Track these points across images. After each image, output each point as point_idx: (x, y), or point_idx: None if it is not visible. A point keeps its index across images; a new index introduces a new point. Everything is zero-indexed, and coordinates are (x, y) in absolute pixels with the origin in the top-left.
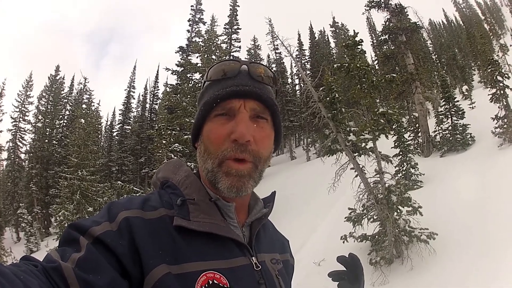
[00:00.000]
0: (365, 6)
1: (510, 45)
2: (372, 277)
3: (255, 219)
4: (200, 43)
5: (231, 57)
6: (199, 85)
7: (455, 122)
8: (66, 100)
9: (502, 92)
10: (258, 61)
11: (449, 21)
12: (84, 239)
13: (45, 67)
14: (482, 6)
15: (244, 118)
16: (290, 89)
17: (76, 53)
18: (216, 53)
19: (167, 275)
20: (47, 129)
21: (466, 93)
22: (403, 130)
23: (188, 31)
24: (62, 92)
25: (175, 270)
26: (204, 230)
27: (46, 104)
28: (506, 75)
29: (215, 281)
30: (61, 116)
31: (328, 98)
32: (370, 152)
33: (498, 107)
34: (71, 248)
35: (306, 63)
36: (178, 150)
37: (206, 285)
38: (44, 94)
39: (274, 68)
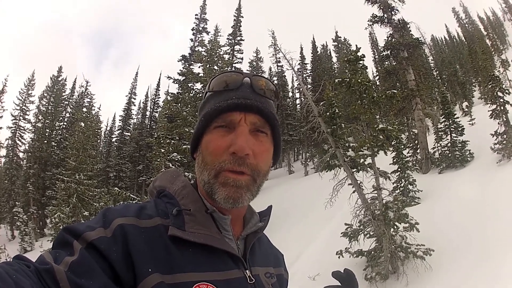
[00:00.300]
0: (368, 21)
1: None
2: None
3: (251, 233)
4: (203, 52)
5: (233, 68)
6: (200, 95)
7: (454, 138)
8: (67, 102)
9: (502, 108)
10: (261, 74)
11: (451, 37)
12: (77, 243)
13: (46, 67)
14: (484, 22)
15: (244, 131)
16: (290, 103)
17: (77, 54)
18: (218, 64)
19: (160, 285)
20: (47, 130)
21: (466, 109)
22: (402, 146)
23: (191, 40)
24: (64, 94)
25: (168, 280)
26: (199, 241)
27: (47, 104)
28: (506, 91)
29: None
30: (61, 118)
31: (328, 113)
32: (368, 168)
33: (498, 123)
34: (65, 252)
35: (307, 77)
36: (176, 159)
37: None
38: (45, 94)
39: (276, 81)
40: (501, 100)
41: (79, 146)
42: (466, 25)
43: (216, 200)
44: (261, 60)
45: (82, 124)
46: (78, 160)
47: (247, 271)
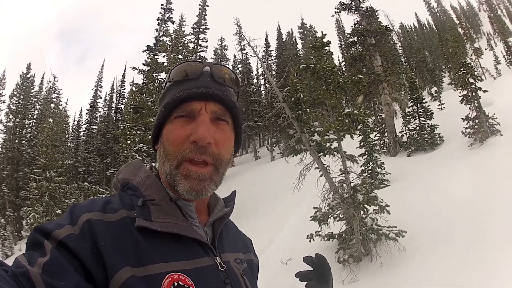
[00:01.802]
0: (335, 8)
1: (485, 49)
2: (341, 275)
3: (217, 219)
4: (168, 42)
5: (198, 57)
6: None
7: (423, 122)
8: (35, 99)
9: (474, 93)
10: (222, 63)
11: (421, 24)
12: (48, 243)
13: (17, 65)
14: (457, 11)
15: (204, 120)
16: (255, 89)
17: (46, 50)
18: (183, 53)
19: (132, 278)
20: (17, 128)
21: (435, 94)
22: (369, 130)
23: (156, 30)
24: (32, 90)
25: (140, 273)
26: (167, 231)
27: (17, 103)
28: (478, 78)
29: (180, 283)
30: (30, 116)
31: (293, 99)
32: (335, 152)
33: (469, 108)
34: (37, 252)
35: (272, 64)
36: (143, 150)
37: (172, 287)
38: (15, 92)
39: (240, 69)
40: (473, 86)
41: (48, 143)
42: (438, 14)
43: (179, 191)
44: (226, 48)
45: (51, 120)
46: (48, 157)
47: (217, 258)
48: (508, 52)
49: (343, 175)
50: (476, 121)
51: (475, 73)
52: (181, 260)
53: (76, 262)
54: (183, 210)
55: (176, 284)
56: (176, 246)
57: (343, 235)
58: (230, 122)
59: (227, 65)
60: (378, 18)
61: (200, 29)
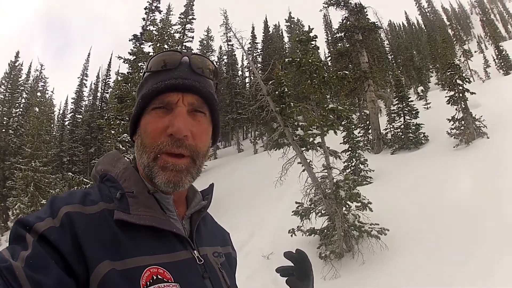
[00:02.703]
0: (324, 3)
1: (475, 51)
2: (323, 271)
3: (195, 212)
4: (154, 31)
5: (183, 47)
6: None
7: (408, 121)
8: (23, 88)
9: (461, 95)
10: (205, 54)
11: (410, 23)
12: (30, 236)
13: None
14: (448, 12)
15: (181, 112)
16: (239, 81)
17: (34, 38)
18: (169, 43)
19: (112, 272)
20: (5, 118)
21: (421, 93)
22: (353, 126)
23: (143, 19)
24: (20, 79)
25: (119, 266)
26: (145, 224)
27: (4, 91)
28: (466, 79)
29: (159, 276)
30: (17, 104)
31: (277, 92)
32: (318, 147)
33: (456, 109)
34: (20, 246)
35: (257, 56)
36: (127, 140)
37: (151, 281)
38: (3, 81)
39: (225, 60)
40: (460, 87)
41: (34, 132)
42: (428, 14)
43: (157, 184)
44: (212, 39)
45: (37, 109)
46: (33, 147)
47: (195, 251)
48: (499, 56)
49: (325, 170)
50: (463, 122)
51: (463, 74)
52: (160, 254)
53: (57, 255)
54: (161, 203)
55: (155, 277)
56: (154, 240)
57: (325, 230)
58: (207, 114)
59: (206, 56)
60: (367, 15)
61: (187, 19)
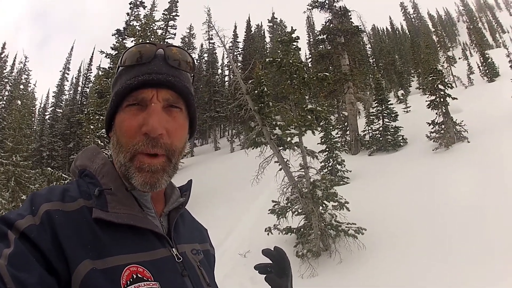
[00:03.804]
0: (308, 5)
1: (459, 58)
2: (300, 269)
3: (173, 209)
4: (137, 27)
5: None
6: None
7: (387, 123)
8: (7, 80)
9: (442, 99)
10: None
11: (394, 28)
12: (11, 233)
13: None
14: (434, 19)
15: (156, 109)
16: (219, 79)
17: (19, 30)
18: (151, 38)
19: (93, 271)
20: None
21: (402, 97)
22: (331, 127)
23: (128, 14)
24: (5, 71)
25: (100, 265)
26: (123, 222)
27: None
28: (449, 85)
29: (139, 275)
30: (0, 97)
31: (256, 91)
32: (295, 147)
33: (436, 113)
34: (2, 244)
35: (238, 55)
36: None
37: (131, 280)
38: None
39: (206, 58)
40: (442, 92)
41: (16, 125)
42: (413, 20)
43: (133, 184)
44: (193, 36)
45: (19, 102)
46: (15, 140)
47: (173, 249)
48: (484, 63)
49: (302, 170)
50: (443, 126)
51: (446, 80)
52: (139, 252)
53: (38, 254)
54: (138, 200)
55: (134, 276)
56: (133, 238)
57: (302, 229)
58: (183, 109)
59: (183, 48)
60: (351, 18)
61: (171, 16)
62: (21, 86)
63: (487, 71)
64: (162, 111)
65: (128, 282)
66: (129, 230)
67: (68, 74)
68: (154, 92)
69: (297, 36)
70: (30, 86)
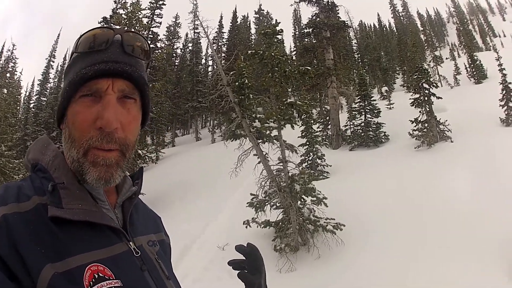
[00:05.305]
0: None
1: (446, 58)
2: (278, 264)
3: (126, 199)
4: (123, 15)
5: (150, 33)
6: None
7: (369, 119)
8: None
9: (426, 98)
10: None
11: (382, 25)
12: None
13: None
14: (424, 18)
15: (111, 101)
16: (202, 70)
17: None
18: (136, 27)
19: (55, 276)
20: None
21: (385, 94)
22: (312, 121)
23: (114, 1)
24: None
25: (60, 268)
26: (79, 219)
27: None
28: (434, 84)
29: (100, 274)
30: None
31: (237, 83)
32: (274, 140)
33: (420, 112)
34: None
35: (222, 46)
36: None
37: (93, 280)
38: None
39: (190, 48)
40: (426, 91)
41: (1, 115)
42: (402, 18)
43: (87, 180)
44: (179, 25)
45: (5, 90)
46: (0, 130)
47: (130, 243)
48: (472, 65)
49: (281, 163)
50: (426, 124)
51: (431, 79)
52: (97, 249)
53: None
54: (91, 193)
55: (96, 276)
56: (90, 234)
57: (280, 223)
58: (137, 100)
59: (140, 33)
60: (338, 13)
61: (157, 4)
62: (8, 75)
63: (475, 72)
64: (117, 103)
65: (91, 283)
66: (85, 227)
67: (53, 62)
68: (110, 82)
69: (281, 29)
70: (16, 74)
